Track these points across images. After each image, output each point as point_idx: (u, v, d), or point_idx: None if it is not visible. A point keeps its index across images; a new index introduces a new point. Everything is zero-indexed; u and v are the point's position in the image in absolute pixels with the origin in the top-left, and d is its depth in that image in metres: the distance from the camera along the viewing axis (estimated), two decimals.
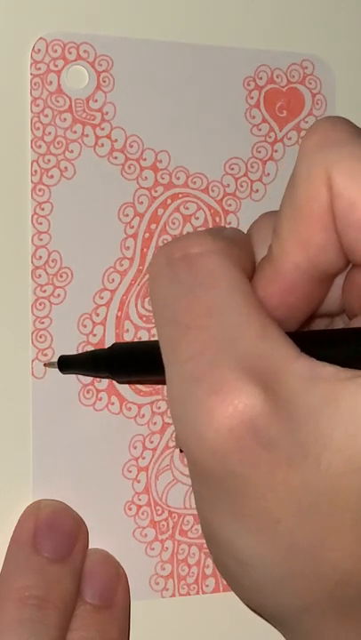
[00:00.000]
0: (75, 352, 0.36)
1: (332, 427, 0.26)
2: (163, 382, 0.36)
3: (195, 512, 0.38)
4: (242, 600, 0.31)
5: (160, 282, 0.29)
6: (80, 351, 0.36)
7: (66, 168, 0.36)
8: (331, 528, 0.26)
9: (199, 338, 0.27)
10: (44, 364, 0.36)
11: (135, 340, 0.37)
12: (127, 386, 0.37)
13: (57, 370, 0.36)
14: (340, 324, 0.32)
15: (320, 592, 0.27)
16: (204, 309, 0.27)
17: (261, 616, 0.31)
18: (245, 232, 0.32)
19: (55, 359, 0.36)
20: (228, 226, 0.38)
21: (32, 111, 0.36)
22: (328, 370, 0.26)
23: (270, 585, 0.28)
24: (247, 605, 0.31)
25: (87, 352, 0.36)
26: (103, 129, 0.36)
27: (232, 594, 0.38)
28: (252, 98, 0.38)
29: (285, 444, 0.26)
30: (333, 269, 0.29)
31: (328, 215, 0.27)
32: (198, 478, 0.28)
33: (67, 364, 0.35)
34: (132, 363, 0.34)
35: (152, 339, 0.37)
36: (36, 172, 0.36)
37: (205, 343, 0.27)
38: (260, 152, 0.39)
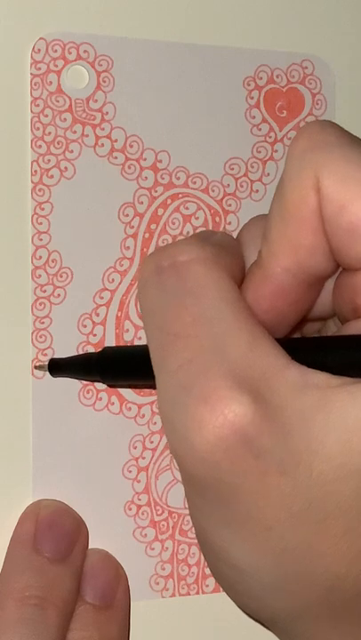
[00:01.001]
0: (75, 352, 0.36)
1: (324, 434, 0.26)
2: (153, 387, 0.36)
3: None
4: (238, 605, 0.31)
5: (149, 290, 0.29)
6: (80, 351, 0.36)
7: (66, 168, 0.36)
8: (322, 534, 0.26)
9: (188, 346, 0.27)
10: (35, 367, 0.35)
11: (135, 340, 0.37)
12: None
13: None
14: (332, 327, 0.32)
15: (313, 597, 0.27)
16: (193, 318, 0.27)
17: (257, 621, 0.31)
18: (235, 236, 0.32)
19: (40, 364, 0.36)
20: (228, 226, 0.38)
21: (32, 111, 0.36)
22: (319, 377, 0.26)
23: (264, 590, 0.28)
24: (243, 611, 0.31)
25: (78, 355, 0.36)
26: (103, 129, 0.36)
27: None
28: (252, 98, 0.38)
29: (276, 452, 0.26)
30: (323, 273, 0.29)
31: (317, 218, 0.27)
32: (190, 486, 0.28)
33: (57, 368, 0.35)
34: (123, 367, 0.34)
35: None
36: (36, 172, 0.36)
37: (195, 352, 0.27)
38: (260, 152, 0.39)
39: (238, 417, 0.26)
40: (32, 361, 0.36)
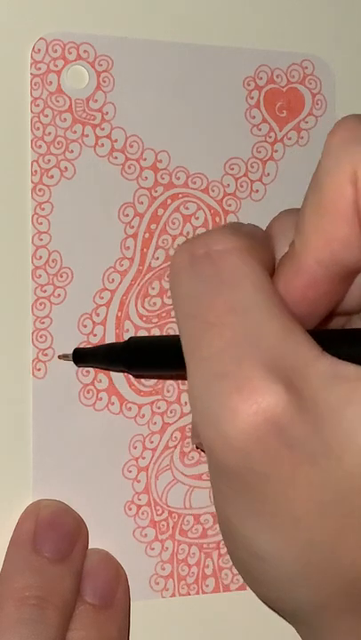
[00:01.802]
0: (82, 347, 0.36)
1: (355, 426, 0.26)
2: (177, 377, 0.36)
3: (195, 512, 0.38)
4: (258, 596, 0.31)
5: (182, 278, 0.29)
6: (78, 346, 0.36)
7: (66, 168, 0.36)
8: (350, 526, 0.26)
9: (223, 335, 0.27)
10: (59, 357, 0.36)
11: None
12: (127, 386, 0.37)
13: (57, 370, 0.36)
14: (357, 322, 0.32)
15: (337, 589, 0.27)
16: (228, 307, 0.27)
17: (277, 612, 0.32)
18: (264, 228, 0.32)
19: (55, 359, 0.36)
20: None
21: (32, 111, 0.36)
22: (350, 369, 0.26)
23: (287, 581, 0.28)
24: (263, 601, 0.31)
25: (103, 345, 0.36)
26: (103, 129, 0.36)
27: (232, 594, 0.38)
28: (252, 98, 0.38)
29: (308, 442, 0.26)
30: (356, 266, 0.29)
31: (353, 211, 0.27)
32: (219, 474, 0.28)
33: (81, 357, 0.36)
34: (149, 357, 0.34)
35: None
36: (36, 172, 0.36)
37: (229, 340, 0.27)
38: (260, 152, 0.39)
39: (272, 406, 0.26)
40: (32, 361, 0.36)
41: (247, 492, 0.27)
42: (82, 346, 0.36)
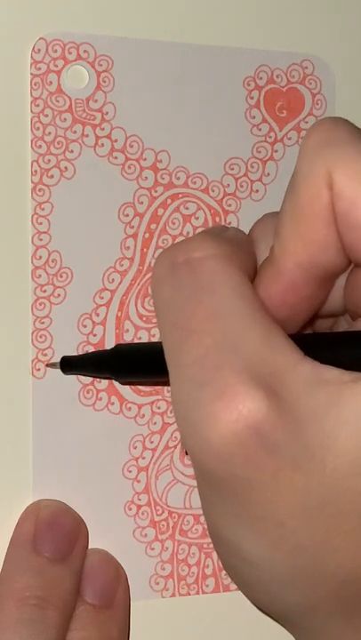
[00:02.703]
0: (75, 352, 0.36)
1: (337, 429, 0.26)
2: (165, 384, 0.36)
3: (195, 512, 0.38)
4: (250, 600, 0.31)
5: (163, 286, 0.29)
6: (80, 351, 0.36)
7: (66, 168, 0.36)
8: (335, 529, 0.26)
9: (203, 342, 0.27)
10: (46, 365, 0.36)
11: (135, 340, 0.37)
12: (127, 386, 0.37)
13: (57, 370, 0.36)
14: (343, 324, 0.32)
15: (326, 591, 0.27)
16: (208, 314, 0.27)
17: (270, 616, 0.32)
18: (247, 232, 0.32)
19: (55, 359, 0.36)
20: (222, 225, 0.38)
21: (32, 111, 0.36)
22: (332, 373, 0.26)
23: (277, 585, 0.28)
24: (255, 605, 0.31)
25: (90, 353, 0.36)
26: (103, 129, 0.36)
27: (232, 594, 0.38)
28: (252, 98, 0.38)
29: (290, 447, 0.26)
30: (335, 269, 0.29)
31: (329, 214, 0.27)
32: (204, 481, 0.28)
33: (69, 365, 0.35)
34: (135, 364, 0.34)
35: (152, 339, 0.37)
36: (36, 172, 0.36)
37: (209, 347, 0.27)
38: (260, 152, 0.39)
39: (252, 412, 0.26)
40: (32, 361, 0.36)
41: (232, 497, 0.27)
42: (81, 346, 0.36)
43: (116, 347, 0.35)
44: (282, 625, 0.31)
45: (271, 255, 0.29)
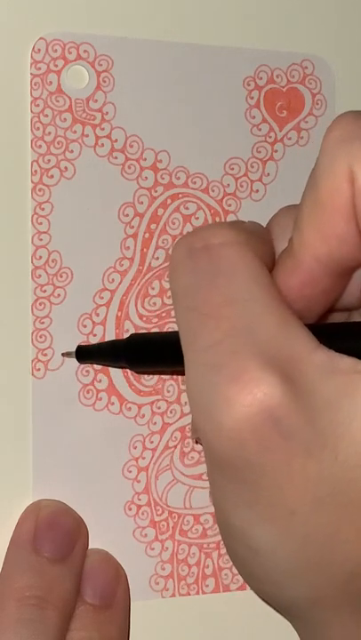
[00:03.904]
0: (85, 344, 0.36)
1: (350, 418, 0.26)
2: (179, 372, 0.36)
3: (195, 512, 0.38)
4: (254, 590, 0.31)
5: (181, 271, 0.29)
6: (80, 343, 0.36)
7: (66, 168, 0.36)
8: (345, 519, 0.26)
9: (220, 327, 0.27)
10: (62, 354, 0.36)
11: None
12: (127, 386, 0.37)
13: (57, 370, 0.36)
14: (357, 318, 0.32)
15: (333, 583, 0.27)
16: (225, 299, 0.28)
17: (272, 606, 0.32)
18: (265, 225, 0.32)
19: (55, 359, 0.36)
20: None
21: (32, 111, 0.36)
22: (346, 362, 0.27)
23: (283, 575, 0.28)
24: (259, 596, 0.31)
25: (105, 342, 0.36)
26: (103, 129, 0.36)
27: (232, 594, 0.38)
28: (252, 98, 0.38)
29: (303, 434, 0.26)
30: (353, 263, 0.29)
31: (350, 209, 0.27)
32: (215, 466, 0.28)
33: (85, 354, 0.36)
34: (150, 353, 0.34)
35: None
36: (36, 172, 0.36)
37: (226, 332, 0.27)
38: (260, 152, 0.39)
39: (267, 397, 0.26)
40: (32, 361, 0.36)
41: (242, 483, 0.27)
42: None
43: (131, 336, 0.35)
44: (284, 616, 0.31)
45: (290, 248, 0.29)
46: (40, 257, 0.36)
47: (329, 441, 0.26)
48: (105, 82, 0.36)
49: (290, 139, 0.39)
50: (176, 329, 0.29)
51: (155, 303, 0.37)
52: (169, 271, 0.30)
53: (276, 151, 0.39)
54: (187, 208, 0.38)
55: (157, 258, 0.37)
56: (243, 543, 0.29)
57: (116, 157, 0.37)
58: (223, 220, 0.38)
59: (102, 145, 0.36)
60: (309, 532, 0.27)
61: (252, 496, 0.27)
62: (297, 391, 0.26)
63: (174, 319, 0.37)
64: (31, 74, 0.35)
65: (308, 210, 0.28)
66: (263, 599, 0.32)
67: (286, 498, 0.27)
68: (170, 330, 0.37)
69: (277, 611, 0.31)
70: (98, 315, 0.37)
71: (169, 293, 0.37)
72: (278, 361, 0.26)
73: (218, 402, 0.27)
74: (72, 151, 0.36)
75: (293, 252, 0.29)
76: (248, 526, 0.28)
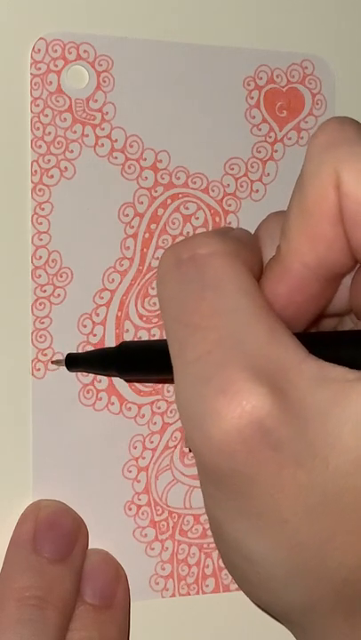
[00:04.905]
0: (75, 352, 0.36)
1: (341, 427, 0.26)
2: (170, 381, 0.36)
3: (195, 512, 0.38)
4: (250, 598, 0.31)
5: (168, 282, 0.29)
6: (80, 351, 0.36)
7: (66, 168, 0.36)
8: (338, 527, 0.26)
9: (207, 338, 0.27)
10: (51, 362, 0.36)
11: (135, 340, 0.37)
12: (127, 386, 0.37)
13: (57, 370, 0.36)
14: (348, 323, 0.32)
15: (327, 590, 0.27)
16: (212, 310, 0.28)
17: (269, 614, 0.32)
18: (253, 232, 0.32)
19: (57, 358, 0.36)
20: (227, 226, 0.38)
21: (32, 111, 0.36)
22: (336, 371, 0.27)
23: (278, 583, 0.28)
24: (255, 603, 0.31)
25: (95, 350, 0.36)
26: (103, 129, 0.36)
27: (232, 594, 0.38)
28: (252, 98, 0.38)
29: (293, 444, 0.26)
30: (341, 269, 0.29)
31: (336, 214, 0.27)
32: (206, 478, 0.28)
33: (74, 362, 0.36)
34: (140, 361, 0.34)
35: (153, 339, 0.37)
36: (36, 172, 0.36)
37: (213, 343, 0.27)
38: (260, 152, 0.39)
39: (256, 409, 0.26)
40: (32, 361, 0.36)
41: (234, 494, 0.27)
42: (81, 346, 0.36)
43: (121, 344, 0.35)
44: (282, 623, 0.31)
45: (278, 254, 0.29)
46: (40, 257, 0.36)
47: (320, 451, 0.26)
48: (105, 82, 0.36)
49: (290, 139, 0.39)
50: None
51: (155, 303, 0.37)
52: (157, 281, 0.30)
53: (276, 151, 0.39)
54: (187, 208, 0.38)
55: (157, 258, 0.37)
56: (237, 552, 0.29)
57: (116, 157, 0.37)
58: (223, 220, 0.38)
59: (102, 145, 0.37)
60: (302, 540, 0.27)
61: (244, 506, 0.27)
62: (287, 402, 0.26)
63: None
64: (31, 74, 0.35)
65: (295, 216, 0.28)
66: (260, 606, 0.32)
67: (278, 507, 0.27)
68: None
69: (274, 617, 0.31)
70: (98, 315, 0.37)
71: None
72: (267, 371, 0.26)
73: (207, 414, 0.26)
74: (72, 151, 0.36)
75: (281, 258, 0.29)
76: (241, 535, 0.28)
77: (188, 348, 0.28)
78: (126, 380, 0.37)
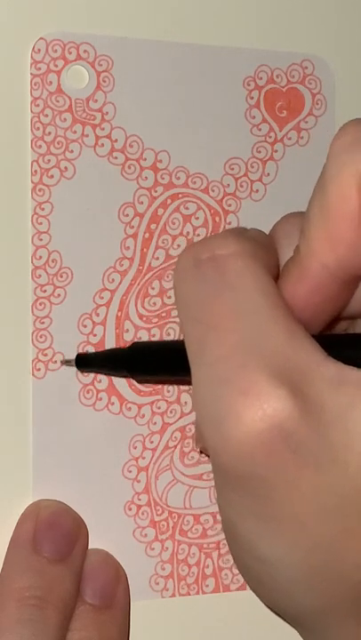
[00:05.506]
0: (75, 352, 0.36)
1: (360, 431, 0.26)
2: (180, 382, 0.36)
3: (195, 512, 0.38)
4: (262, 600, 0.31)
5: (187, 282, 0.29)
6: (80, 351, 0.36)
7: (66, 168, 0.36)
8: (354, 530, 0.26)
9: (227, 340, 0.27)
10: (61, 362, 0.36)
11: (135, 340, 0.37)
12: (127, 386, 0.37)
13: (57, 370, 0.36)
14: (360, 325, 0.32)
15: (341, 594, 0.27)
16: (232, 311, 0.27)
17: (281, 616, 0.31)
18: (267, 231, 0.32)
19: (55, 359, 0.36)
20: (228, 226, 0.38)
21: (32, 111, 0.36)
22: (355, 374, 0.26)
23: (292, 585, 0.28)
24: (267, 605, 0.31)
25: (106, 350, 0.36)
26: (103, 129, 0.36)
27: (232, 594, 0.38)
28: (252, 98, 0.38)
29: (313, 447, 0.26)
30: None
31: (358, 215, 0.27)
32: (222, 479, 0.28)
33: (85, 362, 0.35)
34: (152, 362, 0.34)
35: (152, 339, 0.37)
36: (36, 172, 0.36)
37: (233, 345, 0.27)
38: (260, 152, 0.39)
39: (277, 411, 0.26)
40: (32, 361, 0.36)
41: (252, 496, 0.27)
42: (81, 346, 0.36)
43: (133, 344, 0.35)
44: (292, 626, 0.31)
45: (296, 255, 0.29)
46: (40, 257, 0.36)
47: (339, 454, 0.26)
48: (105, 82, 0.36)
49: (290, 139, 0.39)
50: (177, 329, 0.29)
51: (155, 303, 0.37)
52: (174, 281, 0.30)
53: (276, 151, 0.39)
54: (187, 208, 0.38)
55: (157, 258, 0.37)
56: (250, 553, 0.29)
57: (116, 157, 0.37)
58: (223, 220, 0.38)
59: (102, 145, 0.36)
60: (318, 543, 0.27)
61: (261, 508, 0.27)
62: (306, 404, 0.26)
63: (174, 319, 0.37)
64: (31, 74, 0.35)
65: (316, 216, 0.28)
66: (271, 609, 0.32)
67: (296, 510, 0.27)
68: (170, 330, 0.37)
69: (286, 620, 0.31)
70: (98, 315, 0.37)
71: (169, 293, 0.37)
72: (287, 374, 0.26)
73: (227, 416, 0.26)
74: (72, 151, 0.36)
75: (300, 259, 0.29)
76: (257, 538, 0.28)
77: (207, 349, 0.27)
78: (138, 381, 0.37)
